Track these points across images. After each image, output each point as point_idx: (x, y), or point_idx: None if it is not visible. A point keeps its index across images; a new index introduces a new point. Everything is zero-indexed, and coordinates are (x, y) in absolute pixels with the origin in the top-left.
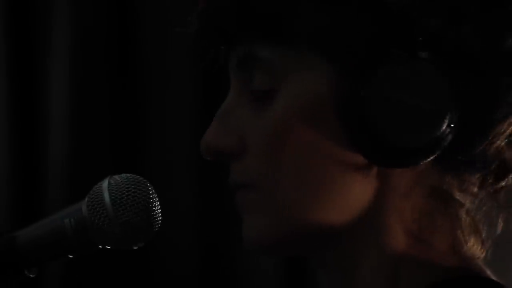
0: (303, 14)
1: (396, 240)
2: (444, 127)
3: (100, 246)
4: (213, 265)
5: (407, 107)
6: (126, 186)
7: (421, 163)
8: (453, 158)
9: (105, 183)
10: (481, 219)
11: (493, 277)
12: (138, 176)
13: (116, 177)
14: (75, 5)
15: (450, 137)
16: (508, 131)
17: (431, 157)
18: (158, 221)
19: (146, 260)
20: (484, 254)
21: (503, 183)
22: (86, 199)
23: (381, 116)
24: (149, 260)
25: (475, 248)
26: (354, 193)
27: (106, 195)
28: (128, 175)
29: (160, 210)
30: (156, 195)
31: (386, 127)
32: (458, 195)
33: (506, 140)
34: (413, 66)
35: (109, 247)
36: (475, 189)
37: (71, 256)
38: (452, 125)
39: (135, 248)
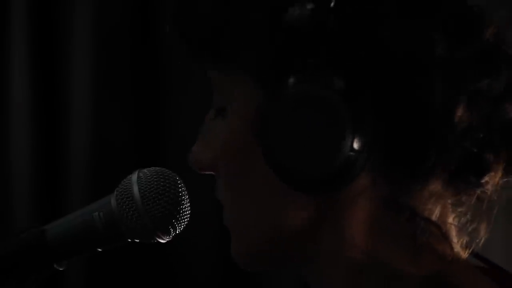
0: (233, 38)
1: (351, 255)
2: (344, 155)
3: (129, 240)
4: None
5: (304, 138)
6: (156, 179)
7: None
8: (393, 171)
9: (134, 176)
10: (466, 225)
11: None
12: (167, 170)
13: (145, 170)
14: None
15: (360, 161)
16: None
17: (347, 183)
18: (187, 214)
19: (165, 258)
20: (463, 258)
21: (477, 189)
22: (115, 193)
23: (282, 144)
24: (168, 259)
25: (448, 253)
26: (296, 212)
27: (136, 189)
28: (157, 168)
29: (189, 204)
30: (185, 189)
31: (287, 156)
32: (418, 206)
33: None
34: (311, 91)
35: (137, 241)
36: (446, 197)
37: (100, 250)
38: (356, 150)
39: (164, 242)
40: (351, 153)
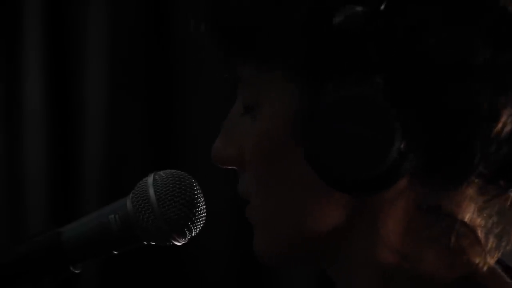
0: (274, 34)
1: (383, 257)
2: (390, 157)
3: (145, 242)
4: (245, 268)
5: (350, 139)
6: (171, 182)
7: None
8: (433, 175)
9: (150, 179)
10: (493, 228)
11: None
12: (183, 172)
13: (161, 173)
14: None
15: (405, 165)
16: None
17: (390, 186)
18: (203, 217)
19: (178, 261)
20: (491, 262)
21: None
22: (131, 195)
23: (329, 146)
24: (182, 262)
25: (480, 255)
26: (331, 212)
27: (151, 191)
28: (173, 171)
29: (204, 206)
30: (200, 191)
31: (330, 157)
32: (453, 208)
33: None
34: (359, 93)
35: (153, 243)
36: (478, 201)
37: (115, 252)
38: (402, 153)
39: (179, 244)
40: (397, 156)
